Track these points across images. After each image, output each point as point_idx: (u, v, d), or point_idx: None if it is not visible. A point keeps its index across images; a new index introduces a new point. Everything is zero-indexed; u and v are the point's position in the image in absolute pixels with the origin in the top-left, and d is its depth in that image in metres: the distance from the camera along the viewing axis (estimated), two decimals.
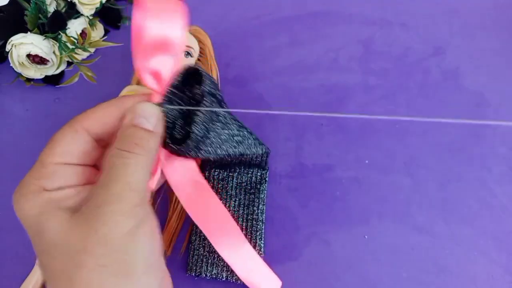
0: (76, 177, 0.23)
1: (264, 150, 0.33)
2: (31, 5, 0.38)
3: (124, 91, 0.39)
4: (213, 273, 0.33)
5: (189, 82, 0.27)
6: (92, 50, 0.43)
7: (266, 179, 0.36)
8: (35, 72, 0.40)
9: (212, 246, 0.33)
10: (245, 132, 0.31)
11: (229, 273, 0.33)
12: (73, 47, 0.39)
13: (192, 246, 0.34)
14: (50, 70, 0.41)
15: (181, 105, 0.26)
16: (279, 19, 0.44)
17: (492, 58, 0.41)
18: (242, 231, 0.32)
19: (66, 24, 0.39)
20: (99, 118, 0.24)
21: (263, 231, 0.34)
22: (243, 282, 0.31)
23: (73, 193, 0.22)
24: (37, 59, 0.39)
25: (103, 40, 0.42)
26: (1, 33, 0.39)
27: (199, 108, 0.26)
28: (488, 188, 0.36)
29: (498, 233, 0.34)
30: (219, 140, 0.28)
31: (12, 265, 0.35)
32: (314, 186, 0.36)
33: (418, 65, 0.41)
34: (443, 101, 0.39)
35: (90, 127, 0.24)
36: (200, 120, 0.26)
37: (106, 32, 0.44)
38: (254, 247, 0.33)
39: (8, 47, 0.38)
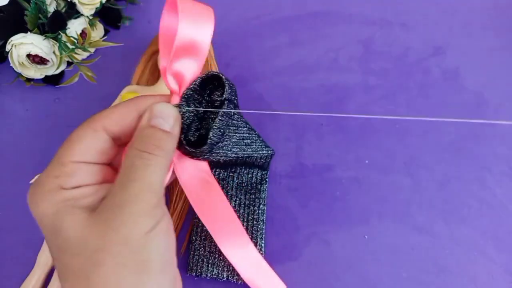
0: (93, 176, 0.23)
1: (269, 152, 0.34)
2: (31, 5, 0.38)
3: (124, 91, 0.39)
4: (213, 273, 0.33)
5: (209, 87, 0.27)
6: (92, 50, 0.43)
7: (267, 179, 0.36)
8: (35, 72, 0.40)
9: (213, 247, 0.33)
10: (253, 135, 0.31)
11: (229, 273, 0.33)
12: (73, 47, 0.39)
13: (193, 246, 0.34)
14: (50, 70, 0.41)
15: (199, 108, 0.26)
16: (279, 19, 0.44)
17: (492, 58, 0.41)
18: None
19: (66, 24, 0.39)
20: (117, 118, 0.24)
21: (263, 231, 0.34)
22: (244, 282, 0.31)
23: (90, 191, 0.22)
24: (37, 59, 0.39)
25: (103, 40, 0.42)
26: (1, 33, 0.39)
27: (216, 110, 0.26)
28: (488, 188, 0.36)
29: (498, 233, 0.34)
30: (230, 143, 0.28)
31: (12, 265, 0.35)
32: (314, 186, 0.36)
33: (418, 65, 0.41)
34: (443, 101, 0.39)
35: (108, 126, 0.24)
36: (217, 126, 0.26)
37: (106, 32, 0.44)
38: (255, 246, 0.33)
39: (8, 47, 0.38)
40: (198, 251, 0.33)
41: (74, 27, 0.40)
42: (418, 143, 0.38)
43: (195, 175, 0.28)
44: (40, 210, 0.21)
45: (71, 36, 0.39)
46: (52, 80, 0.42)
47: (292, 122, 0.39)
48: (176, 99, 0.25)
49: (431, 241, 0.34)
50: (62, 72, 0.42)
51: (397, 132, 0.38)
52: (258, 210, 0.34)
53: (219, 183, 0.35)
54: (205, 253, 0.33)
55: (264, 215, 0.35)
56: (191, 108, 0.26)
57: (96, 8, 0.41)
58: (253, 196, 0.35)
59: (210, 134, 0.26)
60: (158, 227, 0.21)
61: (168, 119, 0.24)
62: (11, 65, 0.39)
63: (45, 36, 0.39)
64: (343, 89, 0.40)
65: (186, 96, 0.26)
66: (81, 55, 0.42)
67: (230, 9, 0.45)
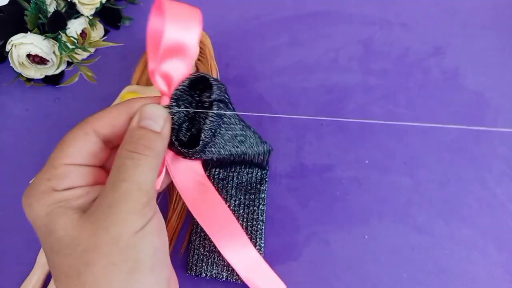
0: (85, 178, 0.24)
1: (266, 148, 0.33)
2: (31, 5, 0.38)
3: (124, 91, 0.39)
4: (213, 273, 0.33)
5: (198, 87, 0.27)
6: (92, 50, 0.43)
7: (266, 179, 0.36)
8: (35, 72, 0.40)
9: (212, 246, 0.33)
10: (248, 132, 0.31)
11: (229, 273, 0.33)
12: (73, 47, 0.39)
13: (192, 246, 0.34)
14: (50, 70, 0.41)
15: (189, 109, 0.27)
16: (279, 19, 0.44)
17: (492, 58, 0.41)
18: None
19: (66, 24, 0.39)
20: (108, 120, 0.24)
21: (263, 231, 0.34)
22: (243, 282, 0.31)
23: (82, 193, 0.23)
24: (37, 59, 0.39)
25: (103, 40, 0.42)
26: (1, 33, 0.39)
27: (206, 111, 0.26)
28: (488, 188, 0.36)
29: (498, 233, 0.34)
30: (222, 140, 0.28)
31: (12, 265, 0.35)
32: (314, 186, 0.36)
33: (418, 65, 0.41)
34: (443, 101, 0.39)
35: (99, 129, 0.24)
36: (208, 128, 0.26)
37: (106, 32, 0.44)
38: (254, 246, 0.33)
39: (8, 47, 0.38)
40: (198, 250, 0.33)
41: (74, 27, 0.40)
42: (418, 143, 0.38)
43: (190, 177, 0.29)
44: (34, 212, 0.22)
45: (71, 36, 0.39)
46: (52, 80, 0.42)
47: (292, 122, 0.39)
48: (166, 100, 0.26)
49: (431, 241, 0.34)
50: (62, 72, 0.42)
51: (397, 132, 0.38)
52: (258, 210, 0.34)
53: (219, 183, 0.35)
54: (204, 252, 0.33)
55: (264, 215, 0.35)
56: (181, 109, 0.26)
57: (96, 8, 0.41)
58: (253, 196, 0.35)
59: (202, 135, 0.26)
60: (149, 226, 0.22)
61: (158, 120, 0.24)
62: (11, 65, 0.39)
63: (45, 36, 0.39)
64: (343, 89, 0.40)
65: (175, 97, 0.26)
66: (81, 55, 0.42)
67: (230, 9, 0.45)
